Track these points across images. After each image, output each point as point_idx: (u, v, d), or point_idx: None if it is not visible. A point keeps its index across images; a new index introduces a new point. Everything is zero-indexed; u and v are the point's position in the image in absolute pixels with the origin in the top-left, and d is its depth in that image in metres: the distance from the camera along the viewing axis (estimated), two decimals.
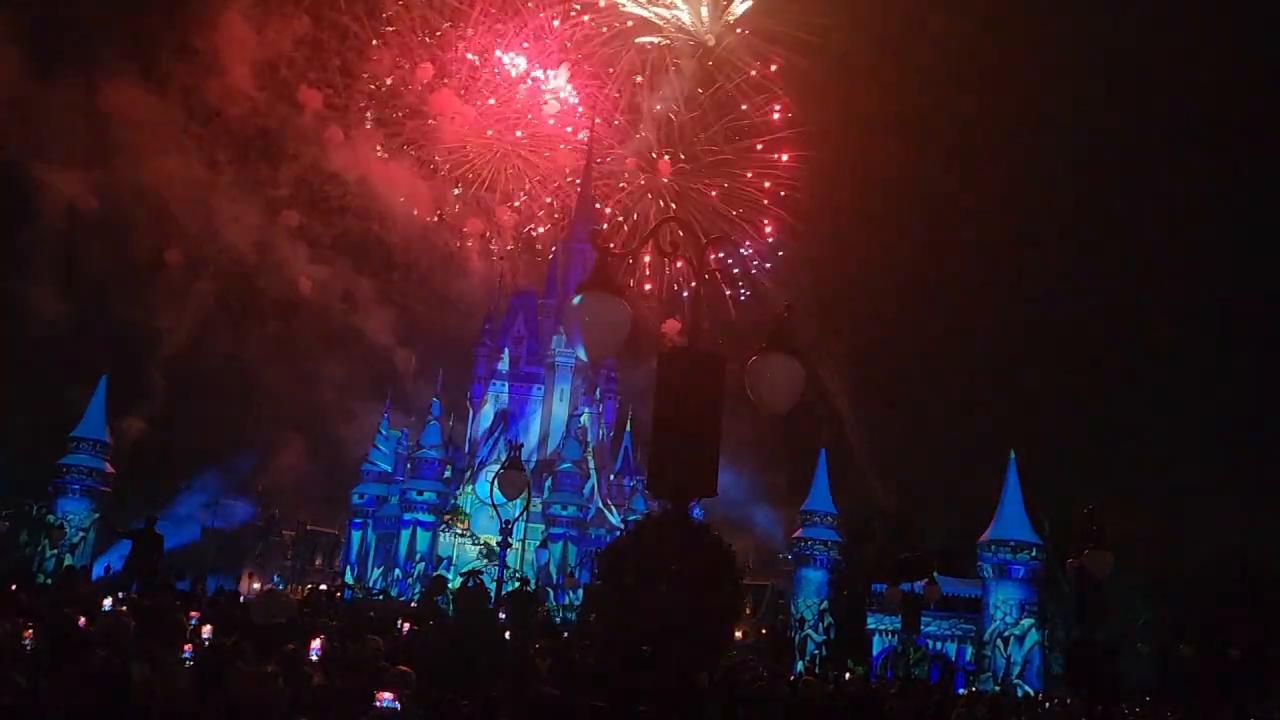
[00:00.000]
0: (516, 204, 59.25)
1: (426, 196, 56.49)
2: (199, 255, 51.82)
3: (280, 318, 53.41)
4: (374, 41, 54.56)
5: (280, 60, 52.28)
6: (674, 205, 57.42)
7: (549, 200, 59.85)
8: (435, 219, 57.48)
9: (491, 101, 57.23)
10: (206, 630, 10.63)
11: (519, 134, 57.99)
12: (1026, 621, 40.31)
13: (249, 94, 51.08)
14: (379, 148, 55.06)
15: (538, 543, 44.66)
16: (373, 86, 55.28)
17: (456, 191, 57.48)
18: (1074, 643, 42.64)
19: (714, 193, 59.03)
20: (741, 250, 56.01)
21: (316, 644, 9.21)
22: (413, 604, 33.76)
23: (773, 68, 57.07)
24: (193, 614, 11.36)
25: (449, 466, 49.32)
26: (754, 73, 57.10)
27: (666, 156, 58.24)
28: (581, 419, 50.99)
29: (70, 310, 47.70)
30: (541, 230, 60.12)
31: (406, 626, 16.71)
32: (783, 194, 58.69)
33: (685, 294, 56.75)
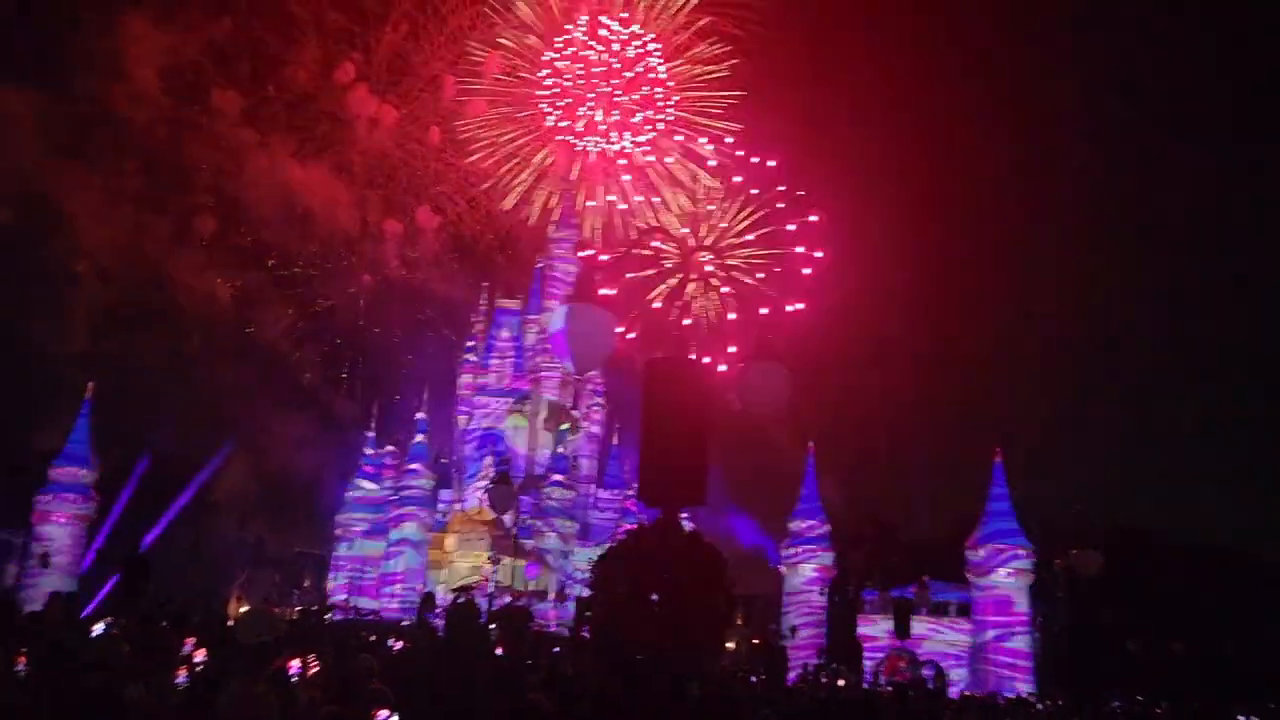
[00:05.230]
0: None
1: (347, 202, 54.68)
2: (108, 267, 47.38)
3: (203, 330, 50.31)
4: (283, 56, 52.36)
5: (189, 65, 49.99)
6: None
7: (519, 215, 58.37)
8: (359, 226, 55.53)
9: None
10: (200, 655, 10.59)
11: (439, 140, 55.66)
12: (1016, 623, 40.37)
13: (156, 98, 48.08)
14: (297, 154, 52.81)
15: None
16: (285, 93, 53.13)
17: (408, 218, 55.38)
18: (1063, 642, 42.92)
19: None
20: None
21: (297, 663, 9.18)
22: (403, 623, 33.62)
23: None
24: (187, 640, 11.31)
25: (436, 483, 49.10)
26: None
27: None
28: (569, 432, 50.89)
29: None
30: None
31: (399, 645, 16.70)
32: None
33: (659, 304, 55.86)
